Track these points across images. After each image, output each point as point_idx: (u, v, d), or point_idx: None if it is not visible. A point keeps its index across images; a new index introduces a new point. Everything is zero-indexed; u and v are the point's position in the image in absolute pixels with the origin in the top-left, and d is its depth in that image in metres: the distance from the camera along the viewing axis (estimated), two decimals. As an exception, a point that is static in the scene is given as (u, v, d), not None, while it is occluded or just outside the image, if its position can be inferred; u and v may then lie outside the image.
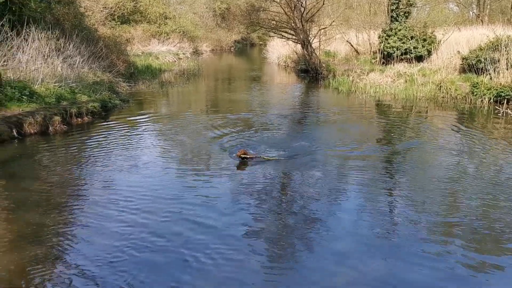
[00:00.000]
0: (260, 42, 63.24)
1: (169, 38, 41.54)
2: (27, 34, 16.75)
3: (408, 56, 24.48)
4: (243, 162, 10.02)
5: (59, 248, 6.55)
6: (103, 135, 13.34)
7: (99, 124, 14.89)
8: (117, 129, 14.33)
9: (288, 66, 34.62)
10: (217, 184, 9.10)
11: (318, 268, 5.89)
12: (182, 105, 20.82)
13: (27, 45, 16.41)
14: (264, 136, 13.15)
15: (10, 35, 16.19)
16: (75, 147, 12.19)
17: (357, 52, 30.43)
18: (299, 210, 7.78)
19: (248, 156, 10.01)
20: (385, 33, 25.57)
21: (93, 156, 11.29)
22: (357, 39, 31.06)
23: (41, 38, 16.92)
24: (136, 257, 6.22)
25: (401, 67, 23.31)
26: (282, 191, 8.75)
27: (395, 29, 25.07)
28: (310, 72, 28.39)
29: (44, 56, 16.55)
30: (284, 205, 8.05)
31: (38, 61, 16.21)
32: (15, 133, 12.50)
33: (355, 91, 21.17)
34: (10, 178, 9.82)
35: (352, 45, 30.90)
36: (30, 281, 5.68)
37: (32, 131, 12.99)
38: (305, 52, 28.33)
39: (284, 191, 8.74)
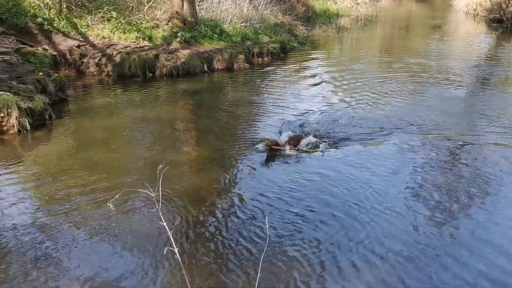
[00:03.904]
0: (448, -13, 57.44)
1: (349, -19, 40.32)
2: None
3: None
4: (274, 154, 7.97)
5: (235, 173, 7.28)
6: (280, 75, 14.07)
7: (277, 64, 15.63)
8: (293, 70, 14.95)
9: (477, 15, 31.10)
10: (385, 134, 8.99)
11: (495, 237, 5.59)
12: (356, 50, 20.50)
13: (219, -14, 17.72)
14: (434, 93, 12.33)
15: (206, -24, 17.62)
16: (256, 85, 13.14)
17: None
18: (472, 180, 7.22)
19: (281, 148, 7.94)
20: None
21: (271, 93, 12.05)
22: None
23: (232, -20, 18.05)
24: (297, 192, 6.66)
25: None
26: (450, 163, 7.93)
27: None
28: (504, 22, 25.19)
29: (233, -3, 17.74)
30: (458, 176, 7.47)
31: (227, 2, 17.46)
32: (205, 68, 13.93)
33: (561, 47, 18.26)
34: (200, 107, 11.12)
35: None
36: (209, 198, 6.44)
37: (220, 67, 14.30)
38: (502, -1, 25.06)
39: (454, 164, 7.90)
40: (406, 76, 13.82)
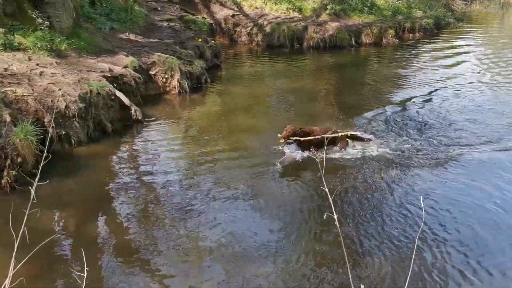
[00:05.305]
0: None
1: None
2: None
3: None
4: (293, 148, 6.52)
5: (384, 151, 6.81)
6: (432, 52, 13.34)
7: (430, 41, 14.78)
8: (446, 47, 14.07)
9: None
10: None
11: None
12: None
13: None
14: None
15: None
16: (404, 61, 12.65)
17: None
18: None
19: (301, 139, 6.30)
20: None
21: (419, 71, 11.44)
22: None
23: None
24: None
25: None
26: None
27: None
28: None
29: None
30: None
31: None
32: (353, 42, 13.72)
33: None
34: (343, 82, 11.03)
35: None
36: (362, 171, 6.23)
37: (367, 41, 13.98)
38: None
39: None
40: None
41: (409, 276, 2.60)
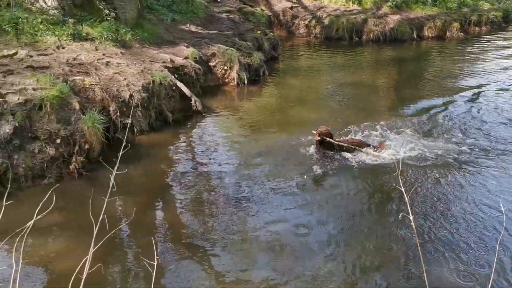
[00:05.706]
0: None
1: None
2: None
3: None
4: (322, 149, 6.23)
5: (453, 149, 6.60)
6: (499, 48, 12.63)
7: (497, 35, 14.11)
8: (510, 39, 13.34)
9: None
10: None
11: None
12: None
13: None
14: None
15: None
16: (467, 56, 12.06)
17: None
18: None
19: (334, 142, 6.09)
20: None
21: (484, 67, 10.86)
22: None
23: None
24: None
25: None
26: None
27: None
28: None
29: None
30: None
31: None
32: (414, 35, 13.26)
33: None
34: (402, 76, 10.62)
35: None
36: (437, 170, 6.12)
37: (430, 35, 13.49)
38: None
39: None
40: None
41: (490, 284, 2.45)
